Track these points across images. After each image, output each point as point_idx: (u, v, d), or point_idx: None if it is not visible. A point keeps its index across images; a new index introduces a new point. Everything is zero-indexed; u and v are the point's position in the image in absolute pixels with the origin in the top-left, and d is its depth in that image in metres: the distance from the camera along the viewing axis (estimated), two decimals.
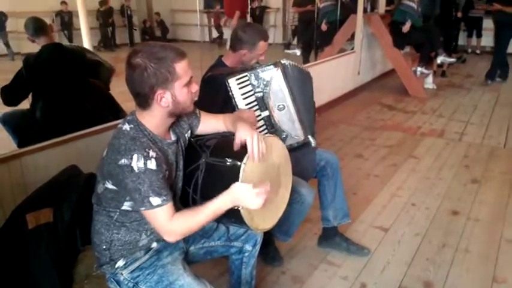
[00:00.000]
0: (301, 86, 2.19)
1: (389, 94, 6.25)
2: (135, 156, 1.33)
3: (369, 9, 6.17)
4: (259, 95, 2.07)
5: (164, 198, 1.36)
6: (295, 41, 7.89)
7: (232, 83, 2.03)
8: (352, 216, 2.57)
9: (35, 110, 2.68)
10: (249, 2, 6.60)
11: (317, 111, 2.44)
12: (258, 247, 1.84)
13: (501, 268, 2.38)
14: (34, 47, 2.67)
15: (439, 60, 6.41)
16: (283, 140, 2.04)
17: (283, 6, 10.82)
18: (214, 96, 2.11)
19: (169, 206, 1.38)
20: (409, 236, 2.69)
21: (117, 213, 1.47)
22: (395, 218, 2.90)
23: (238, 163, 1.48)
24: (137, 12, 11.27)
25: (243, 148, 1.52)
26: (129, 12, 10.62)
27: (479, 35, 9.20)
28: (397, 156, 3.96)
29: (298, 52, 6.70)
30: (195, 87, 1.48)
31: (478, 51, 9.39)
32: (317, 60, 5.68)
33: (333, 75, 5.43)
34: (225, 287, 2.07)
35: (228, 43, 2.32)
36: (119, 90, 2.64)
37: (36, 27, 2.69)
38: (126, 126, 1.42)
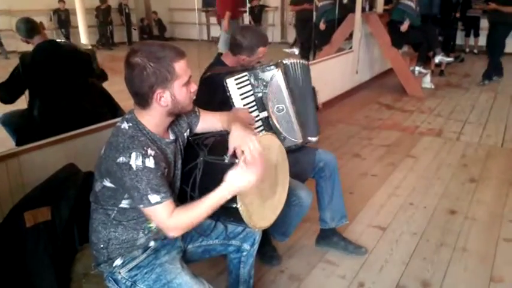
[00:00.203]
0: (302, 85, 2.18)
1: (388, 93, 6.25)
2: (133, 154, 1.33)
3: (367, 8, 6.17)
4: (259, 95, 2.05)
5: (163, 195, 1.36)
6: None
7: (231, 83, 2.01)
8: (349, 215, 2.57)
9: (32, 108, 2.68)
10: (247, 1, 6.59)
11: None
12: (256, 246, 1.84)
13: (498, 267, 2.39)
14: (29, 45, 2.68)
15: (436, 59, 6.42)
16: (281, 141, 2.03)
17: (282, 5, 10.82)
18: (211, 96, 2.09)
19: (168, 203, 1.37)
20: (407, 235, 2.69)
21: (115, 211, 1.47)
22: (393, 217, 2.90)
23: (236, 160, 1.48)
24: (135, 10, 11.25)
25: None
26: (127, 10, 10.60)
27: (476, 35, 9.21)
28: (395, 156, 3.97)
29: (296, 51, 6.70)
30: (194, 87, 1.48)
31: (475, 51, 9.40)
32: (315, 59, 5.68)
33: (331, 74, 5.43)
34: (223, 286, 2.07)
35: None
36: (117, 88, 2.64)
37: (28, 28, 2.69)
38: (125, 125, 1.41)
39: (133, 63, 1.35)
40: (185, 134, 1.64)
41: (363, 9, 5.96)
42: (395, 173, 3.61)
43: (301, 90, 2.20)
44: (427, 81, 6.56)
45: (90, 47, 3.07)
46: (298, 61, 2.21)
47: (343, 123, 4.88)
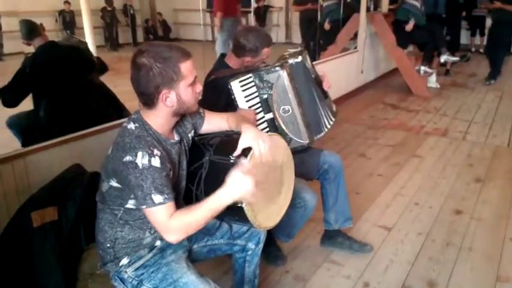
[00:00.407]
0: (306, 80, 2.16)
1: (393, 93, 6.24)
2: (139, 154, 1.34)
3: (372, 8, 6.16)
4: (264, 96, 2.03)
5: (166, 196, 1.36)
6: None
7: (235, 85, 1.99)
8: (355, 215, 2.57)
9: (38, 109, 2.69)
10: (251, 1, 6.57)
11: None
12: (261, 245, 1.84)
13: (505, 267, 2.38)
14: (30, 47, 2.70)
15: (442, 59, 6.39)
16: (287, 143, 2.02)
17: (286, 5, 10.82)
18: (216, 99, 2.07)
19: (170, 205, 1.37)
20: (413, 235, 2.69)
21: (122, 211, 1.48)
22: (399, 217, 2.90)
23: (243, 161, 1.48)
24: (140, 11, 11.28)
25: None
26: (132, 11, 10.64)
27: (482, 34, 9.17)
28: (400, 155, 3.96)
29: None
30: (199, 87, 1.49)
31: (481, 50, 9.35)
32: (320, 59, 5.67)
33: (336, 74, 5.42)
34: (228, 285, 2.07)
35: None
36: (123, 89, 2.65)
37: (28, 30, 2.70)
38: (131, 125, 1.42)
39: (139, 64, 1.36)
40: (190, 135, 1.65)
41: (368, 9, 5.95)
42: (400, 172, 3.60)
43: (306, 85, 2.18)
44: (433, 81, 6.53)
45: (79, 39, 3.07)
46: (300, 59, 2.18)
47: (348, 123, 4.87)
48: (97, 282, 1.81)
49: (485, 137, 4.42)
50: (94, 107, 2.76)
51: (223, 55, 2.33)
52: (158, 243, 1.57)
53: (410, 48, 6.79)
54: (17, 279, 1.74)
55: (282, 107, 2.05)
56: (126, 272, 1.52)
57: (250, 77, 2.02)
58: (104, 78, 3.16)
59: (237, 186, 1.39)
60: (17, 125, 2.82)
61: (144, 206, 1.36)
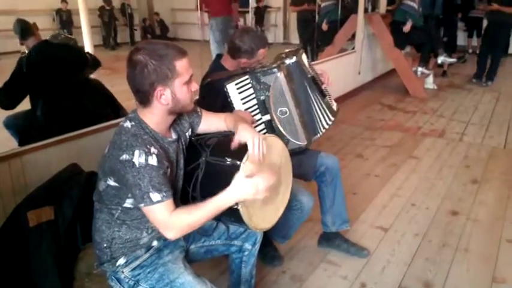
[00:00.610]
0: (304, 86, 2.16)
1: (390, 94, 6.25)
2: (136, 152, 1.34)
3: (369, 9, 6.18)
4: (261, 98, 2.02)
5: (164, 194, 1.36)
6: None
7: (231, 88, 1.98)
8: (352, 216, 2.57)
9: (35, 109, 2.68)
10: (249, 1, 6.56)
11: None
12: (257, 246, 1.85)
13: (501, 268, 2.39)
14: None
15: (439, 60, 6.41)
16: (285, 144, 2.01)
17: (284, 5, 10.82)
18: (212, 101, 2.05)
19: (169, 203, 1.37)
20: (409, 236, 2.69)
21: (119, 211, 1.47)
22: (395, 218, 2.90)
23: (238, 162, 1.48)
24: (138, 11, 11.28)
25: (243, 147, 1.53)
26: (129, 11, 10.64)
27: (479, 35, 9.17)
28: (397, 156, 3.96)
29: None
30: (195, 86, 1.49)
31: (478, 52, 9.38)
32: (318, 60, 5.68)
33: (334, 75, 5.36)
34: (225, 285, 2.07)
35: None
36: (120, 88, 2.64)
37: (21, 30, 2.68)
38: (128, 124, 1.42)
39: (135, 61, 1.37)
40: (187, 134, 1.65)
41: (366, 10, 5.96)
42: (397, 173, 3.61)
43: (303, 86, 2.17)
44: (430, 82, 6.55)
45: (66, 36, 3.06)
46: (296, 59, 2.16)
47: (345, 123, 4.88)
48: (94, 282, 1.81)
49: (482, 138, 4.44)
50: (91, 107, 2.75)
51: (219, 56, 2.32)
52: (155, 243, 1.57)
53: (408, 49, 6.80)
54: (13, 279, 1.73)
55: (279, 109, 2.04)
56: (122, 272, 1.52)
57: (247, 78, 2.01)
58: (102, 78, 3.16)
59: (242, 187, 1.41)
60: (14, 125, 2.82)
61: (142, 205, 1.36)
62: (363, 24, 5.87)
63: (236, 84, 1.99)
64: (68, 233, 1.82)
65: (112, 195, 1.46)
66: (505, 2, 6.08)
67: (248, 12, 8.60)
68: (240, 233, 1.78)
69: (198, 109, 1.71)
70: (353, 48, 6.05)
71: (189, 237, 1.71)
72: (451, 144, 4.27)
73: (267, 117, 2.04)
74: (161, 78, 1.38)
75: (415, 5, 5.89)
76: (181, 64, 1.40)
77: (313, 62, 5.13)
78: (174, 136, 1.55)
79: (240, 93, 1.99)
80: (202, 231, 1.71)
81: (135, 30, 10.80)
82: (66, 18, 8.81)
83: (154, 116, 1.45)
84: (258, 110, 2.04)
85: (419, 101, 5.86)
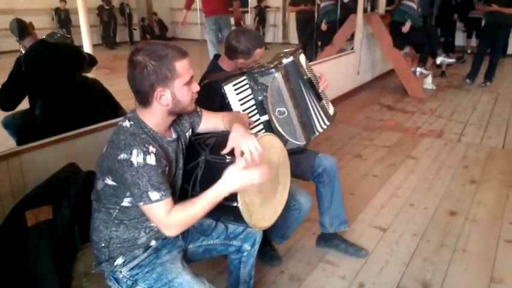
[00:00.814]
0: (300, 86, 2.16)
1: (389, 94, 6.26)
2: (134, 151, 1.34)
3: (369, 9, 6.18)
4: (259, 98, 2.02)
5: (163, 193, 1.36)
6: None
7: (229, 89, 1.97)
8: (350, 216, 2.57)
9: (34, 108, 2.68)
10: (248, 1, 6.54)
11: None
12: (256, 247, 1.84)
13: (499, 268, 2.39)
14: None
15: (438, 60, 6.41)
16: (284, 144, 2.01)
17: (283, 5, 10.82)
18: (210, 102, 2.01)
19: (168, 201, 1.38)
20: (408, 236, 2.70)
21: (117, 210, 1.47)
22: (394, 218, 2.91)
23: (237, 160, 1.48)
24: (137, 10, 11.26)
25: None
26: (128, 10, 10.64)
27: (478, 36, 9.20)
28: (395, 157, 3.97)
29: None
30: (196, 87, 1.49)
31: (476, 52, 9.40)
32: (317, 60, 5.68)
33: (333, 75, 5.42)
34: (223, 286, 2.07)
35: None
36: (119, 88, 2.64)
37: (17, 29, 2.68)
38: (126, 123, 1.42)
39: (135, 62, 1.37)
40: (187, 134, 1.64)
41: (365, 10, 5.97)
42: (396, 173, 3.61)
43: (299, 86, 2.17)
44: (429, 82, 6.56)
45: (62, 35, 3.06)
46: (293, 59, 2.15)
47: (344, 123, 4.88)
48: (92, 281, 1.80)
49: (481, 139, 4.44)
50: (90, 106, 2.74)
51: (216, 57, 2.31)
52: (153, 243, 1.57)
53: (407, 49, 6.81)
54: (11, 279, 1.73)
55: (278, 109, 2.04)
56: (120, 271, 1.51)
57: (245, 79, 2.00)
58: (100, 77, 3.15)
59: (234, 177, 1.41)
60: (13, 125, 2.81)
61: (141, 203, 1.36)
62: (362, 24, 5.87)
63: (234, 85, 1.98)
64: (66, 233, 1.82)
65: (110, 195, 1.45)
66: (504, 3, 6.09)
67: (248, 12, 8.58)
68: (238, 233, 1.78)
69: (199, 109, 1.71)
70: (352, 49, 6.05)
71: (187, 237, 1.71)
72: (449, 145, 4.27)
73: (265, 117, 2.03)
74: (161, 79, 1.38)
75: (414, 6, 5.89)
76: (181, 65, 1.40)
77: (312, 62, 5.15)
78: (174, 136, 1.55)
79: (237, 94, 1.99)
80: (201, 230, 1.71)
81: (135, 29, 10.80)
82: (64, 18, 8.80)
83: (154, 117, 1.45)
84: (256, 111, 2.03)
85: (418, 101, 5.87)
